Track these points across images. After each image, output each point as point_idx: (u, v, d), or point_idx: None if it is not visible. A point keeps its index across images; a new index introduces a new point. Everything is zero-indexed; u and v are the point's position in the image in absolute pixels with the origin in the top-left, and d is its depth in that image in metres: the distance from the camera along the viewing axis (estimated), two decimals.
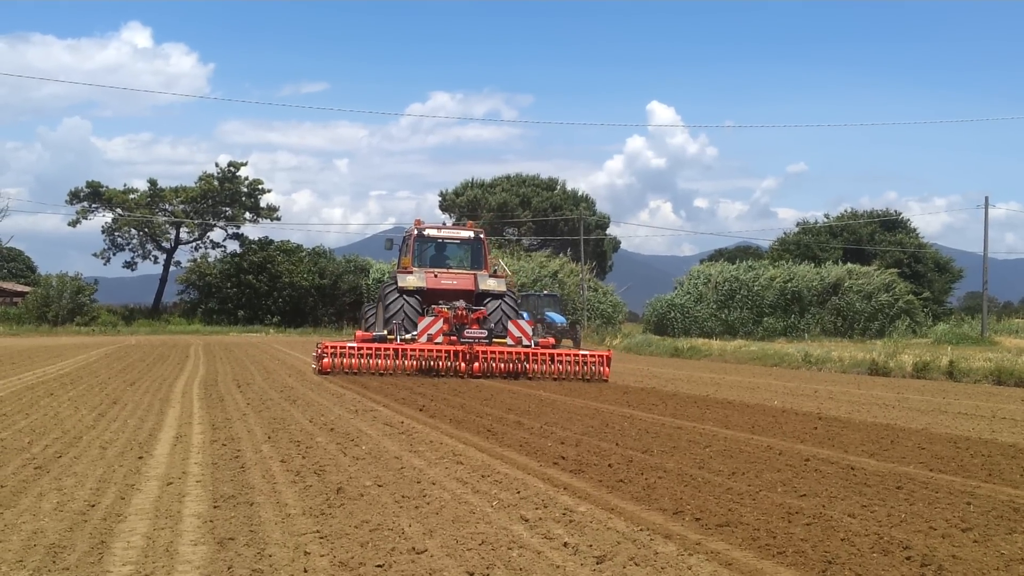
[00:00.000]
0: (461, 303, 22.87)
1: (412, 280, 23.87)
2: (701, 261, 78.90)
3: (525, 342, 22.64)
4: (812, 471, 8.99)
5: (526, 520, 6.71)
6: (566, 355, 22.15)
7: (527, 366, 21.53)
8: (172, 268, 75.65)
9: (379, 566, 5.54)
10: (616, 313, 65.28)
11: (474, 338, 21.87)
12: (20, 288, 73.96)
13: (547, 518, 6.79)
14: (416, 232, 24.96)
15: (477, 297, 24.18)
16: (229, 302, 69.25)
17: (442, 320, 22.35)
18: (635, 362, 32.76)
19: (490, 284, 24.33)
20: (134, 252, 74.05)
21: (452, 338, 22.01)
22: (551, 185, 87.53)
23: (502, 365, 21.51)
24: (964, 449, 10.84)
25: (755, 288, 62.59)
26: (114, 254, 73.53)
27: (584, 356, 22.06)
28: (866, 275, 63.91)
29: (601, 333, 54.49)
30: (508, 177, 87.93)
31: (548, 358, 21.70)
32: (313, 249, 74.06)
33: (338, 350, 21.62)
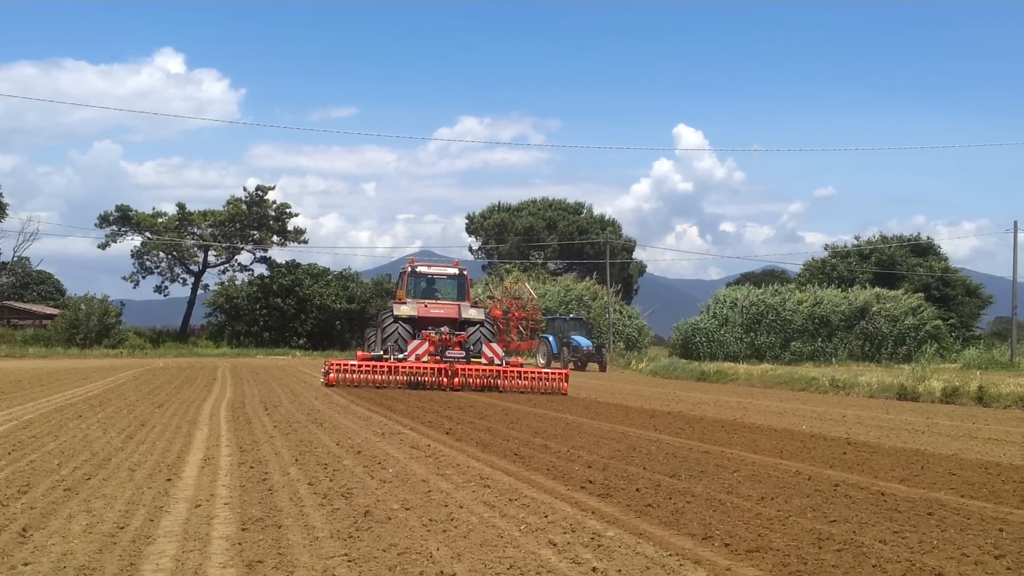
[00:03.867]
0: (445, 329, 27.03)
1: (405, 309, 27.94)
2: (727, 285, 78.66)
3: (497, 361, 26.52)
4: (842, 496, 8.92)
5: (554, 544, 6.69)
6: (531, 372, 25.87)
7: (498, 382, 25.09)
8: (200, 291, 76.06)
9: None
10: (641, 337, 65.05)
11: (455, 358, 26.03)
12: (50, 310, 74.58)
13: (575, 542, 6.76)
14: (410, 269, 29.50)
15: (461, 324, 28.01)
16: (256, 325, 69.56)
17: (427, 342, 26.50)
18: (661, 386, 32.63)
19: (471, 313, 28.35)
20: (163, 275, 74.59)
21: (436, 358, 26.02)
22: (577, 209, 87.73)
23: (478, 380, 25.11)
24: (995, 475, 10.72)
25: (782, 312, 62.30)
26: (143, 277, 73.99)
27: (546, 373, 25.92)
28: (894, 299, 63.43)
29: (626, 357, 54.29)
30: (534, 201, 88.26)
31: (516, 374, 25.36)
32: (340, 272, 74.37)
33: (342, 367, 25.41)
